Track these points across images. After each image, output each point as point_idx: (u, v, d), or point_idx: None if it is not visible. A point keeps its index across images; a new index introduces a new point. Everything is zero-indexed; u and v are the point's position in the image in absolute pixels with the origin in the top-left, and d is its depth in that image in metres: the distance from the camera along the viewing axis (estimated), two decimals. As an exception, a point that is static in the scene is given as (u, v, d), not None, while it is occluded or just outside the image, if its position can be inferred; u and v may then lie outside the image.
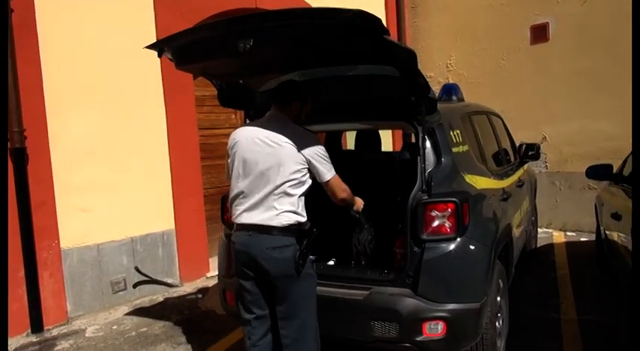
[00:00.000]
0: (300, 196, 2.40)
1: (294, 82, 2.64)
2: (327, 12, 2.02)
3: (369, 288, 2.63)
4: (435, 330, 2.49)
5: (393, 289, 2.57)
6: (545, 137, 6.61)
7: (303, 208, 2.43)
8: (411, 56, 2.33)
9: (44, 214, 4.05)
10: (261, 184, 2.38)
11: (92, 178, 4.37)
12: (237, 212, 2.47)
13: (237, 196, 2.48)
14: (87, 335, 3.91)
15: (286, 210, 2.36)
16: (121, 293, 4.58)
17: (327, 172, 2.41)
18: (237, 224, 2.49)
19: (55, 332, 3.98)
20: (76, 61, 4.26)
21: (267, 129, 2.42)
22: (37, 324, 3.98)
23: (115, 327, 4.04)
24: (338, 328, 2.68)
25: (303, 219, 2.41)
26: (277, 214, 2.35)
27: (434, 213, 2.55)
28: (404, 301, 2.51)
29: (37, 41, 4.00)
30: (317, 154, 2.38)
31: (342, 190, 2.48)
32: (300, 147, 2.35)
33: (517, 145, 4.67)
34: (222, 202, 3.29)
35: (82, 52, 4.29)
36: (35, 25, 3.99)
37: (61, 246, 4.18)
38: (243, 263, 2.46)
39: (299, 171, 2.36)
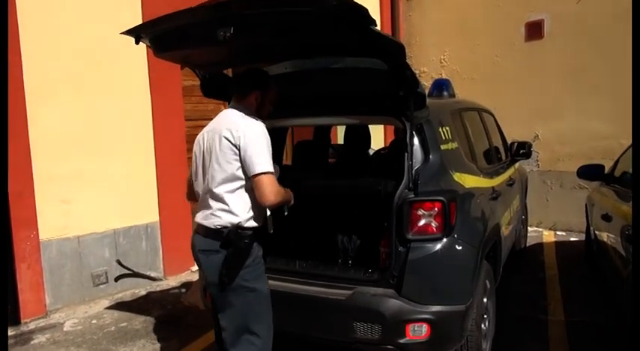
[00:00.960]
0: (236, 194, 2.15)
1: (253, 70, 2.41)
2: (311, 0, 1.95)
3: (352, 288, 2.55)
4: (418, 332, 2.42)
5: (377, 290, 2.50)
6: (537, 135, 6.55)
7: (245, 208, 2.17)
8: (399, 50, 2.24)
9: (22, 205, 3.93)
10: (204, 180, 2.25)
11: (73, 168, 4.25)
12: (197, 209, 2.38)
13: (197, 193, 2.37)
14: (65, 329, 3.81)
15: (219, 209, 2.16)
16: (102, 286, 4.47)
17: (258, 165, 2.07)
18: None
19: (32, 326, 3.88)
20: (58, 47, 4.12)
21: (218, 121, 2.28)
22: (13, 317, 3.87)
23: (94, 321, 3.94)
24: (317, 327, 2.61)
25: (242, 220, 2.15)
26: (210, 214, 2.19)
27: (420, 212, 2.48)
28: (387, 302, 2.43)
29: (17, 25, 3.86)
30: (253, 143, 2.09)
31: (272, 192, 2.09)
32: (236, 137, 2.12)
33: (509, 143, 4.60)
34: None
35: (65, 38, 4.16)
36: (15, 9, 3.85)
37: (40, 237, 4.07)
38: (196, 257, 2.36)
39: (232, 164, 2.13)
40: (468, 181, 2.80)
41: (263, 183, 2.07)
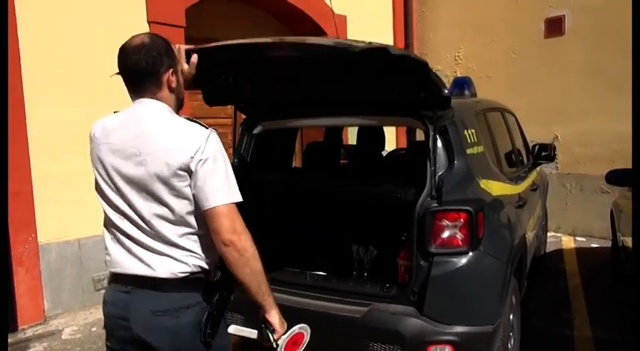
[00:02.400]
0: (194, 232, 1.54)
1: (152, 38, 1.60)
2: (379, 51, 1.92)
3: (368, 304, 2.34)
4: (441, 355, 2.21)
5: (396, 307, 2.29)
6: (557, 137, 6.29)
7: (208, 247, 1.55)
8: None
9: (20, 207, 3.76)
10: (132, 216, 1.54)
11: (74, 169, 4.04)
12: (110, 252, 1.61)
13: (108, 227, 1.62)
14: (63, 337, 3.64)
15: (177, 252, 1.53)
16: (103, 291, 4.26)
17: (215, 195, 1.46)
18: (110, 273, 1.63)
19: (29, 333, 3.71)
20: (58, 45, 3.96)
21: (132, 132, 1.54)
22: (10, 324, 3.70)
23: (94, 329, 3.76)
24: (329, 347, 2.40)
25: (207, 261, 1.56)
26: (165, 259, 1.53)
27: (444, 223, 2.26)
28: (407, 322, 2.22)
29: (15, 21, 3.68)
30: (203, 161, 1.46)
31: (230, 229, 1.46)
32: (177, 155, 1.46)
33: (530, 144, 4.37)
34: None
35: (65, 36, 3.99)
36: (14, 5, 3.67)
37: (39, 240, 3.90)
38: (118, 335, 1.58)
39: (180, 194, 1.50)
40: (495, 188, 2.58)
41: (225, 215, 1.46)
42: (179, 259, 1.52)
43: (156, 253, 1.52)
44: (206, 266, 1.55)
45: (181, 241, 1.52)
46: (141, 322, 1.51)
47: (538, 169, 4.34)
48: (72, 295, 4.11)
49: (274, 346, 1.55)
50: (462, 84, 3.46)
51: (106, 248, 1.61)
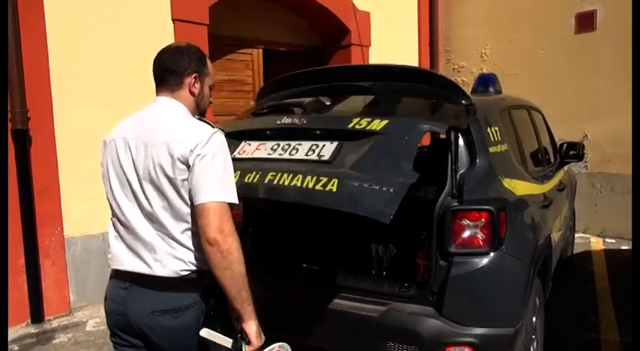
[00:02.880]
0: (192, 229, 1.54)
1: (185, 45, 1.70)
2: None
3: (385, 304, 2.31)
4: (460, 356, 2.17)
5: (414, 307, 2.25)
6: (586, 135, 6.11)
7: (199, 246, 1.51)
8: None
9: (47, 201, 3.86)
10: (136, 209, 1.58)
11: (98, 164, 4.13)
12: (111, 250, 1.67)
13: (113, 223, 1.68)
14: (87, 329, 3.72)
15: (176, 250, 1.54)
16: (126, 285, 4.37)
17: (207, 191, 1.46)
18: (112, 270, 1.68)
19: (55, 324, 3.80)
20: (85, 43, 4.04)
21: (146, 126, 1.61)
22: (37, 314, 3.81)
23: (117, 322, 3.83)
24: (346, 345, 2.39)
25: (202, 261, 1.54)
26: (165, 257, 1.54)
27: (465, 222, 2.21)
28: (426, 322, 2.18)
29: (44, 15, 3.76)
30: (202, 156, 1.47)
31: (217, 228, 1.43)
32: (179, 148, 1.49)
33: (557, 143, 4.25)
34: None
35: (92, 34, 4.07)
36: (42, 3, 3.76)
37: (65, 234, 3.99)
38: (121, 329, 1.62)
39: (181, 189, 1.51)
40: (519, 187, 2.51)
41: (215, 212, 1.45)
42: (179, 257, 1.53)
43: (157, 251, 1.54)
44: (204, 266, 1.53)
45: (182, 238, 1.54)
46: (140, 319, 1.54)
47: (566, 168, 4.22)
48: (96, 288, 4.18)
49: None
50: (487, 81, 3.38)
51: (109, 245, 1.67)
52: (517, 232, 2.35)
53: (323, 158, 2.17)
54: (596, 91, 6.02)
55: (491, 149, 2.40)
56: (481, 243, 2.20)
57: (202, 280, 1.56)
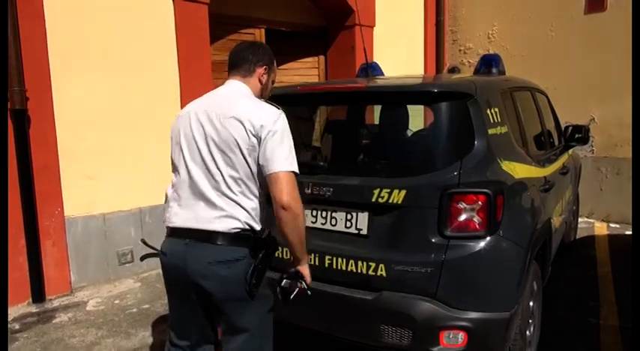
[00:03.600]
0: (251, 192, 1.82)
1: (260, 42, 2.10)
2: None
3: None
4: (454, 340, 2.16)
5: None
6: (593, 118, 6.01)
7: (258, 208, 1.84)
8: None
9: (47, 181, 3.85)
10: (202, 174, 1.82)
11: (100, 144, 4.13)
12: (171, 211, 1.90)
13: (175, 188, 1.91)
14: (87, 309, 3.75)
15: (232, 209, 1.80)
16: (127, 265, 4.39)
17: (279, 162, 1.74)
18: (169, 228, 1.91)
19: (56, 303, 3.83)
20: (84, 20, 3.98)
21: (219, 103, 1.85)
22: (38, 294, 3.84)
23: (117, 301, 3.86)
24: (341, 328, 2.38)
25: (257, 222, 1.84)
26: (221, 216, 1.79)
27: (461, 205, 2.18)
28: (420, 306, 2.17)
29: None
30: (273, 132, 1.74)
31: (290, 194, 1.73)
32: (257, 127, 1.75)
33: (563, 126, 4.17)
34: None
35: (90, 11, 4.01)
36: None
37: (65, 214, 4.00)
38: (177, 282, 1.87)
39: (248, 157, 1.78)
40: (518, 170, 2.46)
41: (285, 182, 1.73)
42: (236, 216, 1.78)
43: (217, 210, 1.78)
44: (256, 225, 1.82)
45: (241, 200, 1.79)
46: (198, 270, 1.78)
47: (570, 151, 4.15)
48: (97, 268, 4.22)
49: (308, 291, 1.90)
50: (490, 61, 3.28)
51: (170, 206, 1.91)
52: (515, 215, 2.31)
53: (362, 232, 2.38)
54: (605, 74, 5.90)
55: (491, 131, 2.35)
56: (477, 227, 2.17)
57: (250, 238, 1.80)
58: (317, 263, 2.41)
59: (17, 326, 3.46)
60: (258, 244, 1.80)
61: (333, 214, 2.47)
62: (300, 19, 6.14)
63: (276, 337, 1.98)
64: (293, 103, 2.84)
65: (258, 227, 1.83)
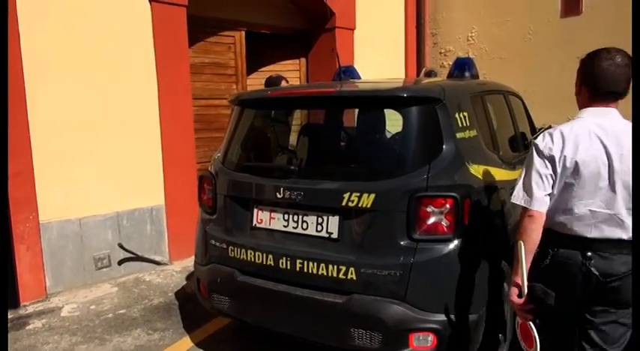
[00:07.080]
0: None
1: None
2: None
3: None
4: (424, 343, 2.19)
5: None
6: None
7: None
8: None
9: (21, 185, 3.80)
10: (612, 197, 1.90)
11: (75, 148, 4.09)
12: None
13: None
14: (62, 314, 3.70)
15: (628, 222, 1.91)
16: (105, 270, 4.35)
17: None
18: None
19: (30, 309, 3.78)
20: (59, 22, 3.94)
21: (617, 131, 1.92)
22: (12, 300, 3.78)
23: (92, 307, 3.82)
24: (312, 332, 2.39)
25: None
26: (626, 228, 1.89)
27: (430, 209, 2.20)
28: (389, 308, 2.19)
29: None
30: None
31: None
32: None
33: (537, 128, 4.22)
34: (199, 182, 2.98)
35: (66, 12, 3.97)
36: (12, -21, 3.66)
37: (40, 219, 3.94)
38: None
39: None
40: (487, 173, 2.49)
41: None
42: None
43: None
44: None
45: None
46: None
47: (545, 153, 4.18)
48: (73, 273, 4.17)
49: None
50: (463, 65, 3.32)
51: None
52: (483, 218, 2.34)
53: (332, 236, 2.40)
54: (581, 76, 5.97)
55: (459, 135, 2.38)
56: (445, 230, 2.19)
57: None
58: (288, 267, 2.42)
59: (-11, 333, 3.40)
60: None
61: (304, 218, 2.47)
62: (281, 22, 6.14)
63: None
64: (265, 107, 2.85)
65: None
